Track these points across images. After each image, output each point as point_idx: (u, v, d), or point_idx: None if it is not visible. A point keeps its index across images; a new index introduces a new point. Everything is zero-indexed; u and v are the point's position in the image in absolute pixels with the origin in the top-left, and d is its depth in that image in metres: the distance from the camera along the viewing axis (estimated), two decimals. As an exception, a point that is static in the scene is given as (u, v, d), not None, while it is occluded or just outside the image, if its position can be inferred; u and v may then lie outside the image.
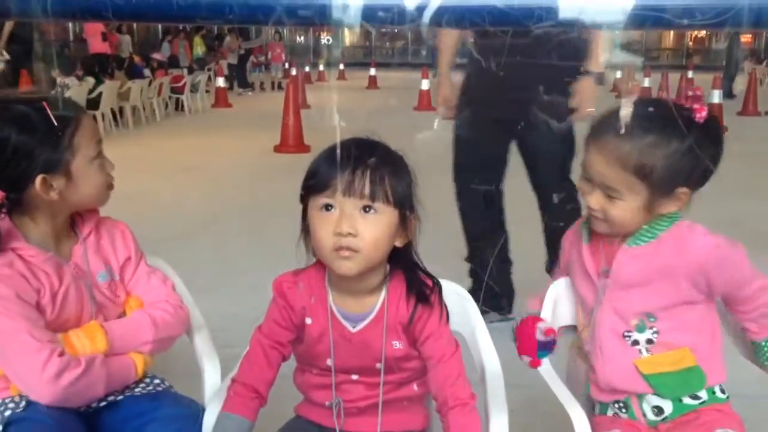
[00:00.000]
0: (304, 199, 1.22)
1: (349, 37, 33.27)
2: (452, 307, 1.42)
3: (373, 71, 17.85)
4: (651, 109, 1.28)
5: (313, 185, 1.19)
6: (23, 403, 1.29)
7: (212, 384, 1.43)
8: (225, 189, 6.16)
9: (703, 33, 32.92)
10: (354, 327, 1.26)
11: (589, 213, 1.35)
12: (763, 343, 1.37)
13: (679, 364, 1.34)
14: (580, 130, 2.82)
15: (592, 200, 1.32)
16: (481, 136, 2.75)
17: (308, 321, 1.27)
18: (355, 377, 1.30)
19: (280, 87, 16.41)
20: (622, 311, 1.36)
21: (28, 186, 1.30)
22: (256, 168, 7.13)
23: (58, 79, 9.21)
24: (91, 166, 1.37)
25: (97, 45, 12.44)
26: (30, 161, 1.29)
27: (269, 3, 0.58)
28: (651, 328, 1.34)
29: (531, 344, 1.39)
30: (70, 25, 14.89)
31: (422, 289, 1.28)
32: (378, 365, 1.28)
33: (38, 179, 1.30)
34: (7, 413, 1.29)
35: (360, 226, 1.17)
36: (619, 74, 16.44)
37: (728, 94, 13.01)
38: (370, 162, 1.17)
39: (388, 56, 33.51)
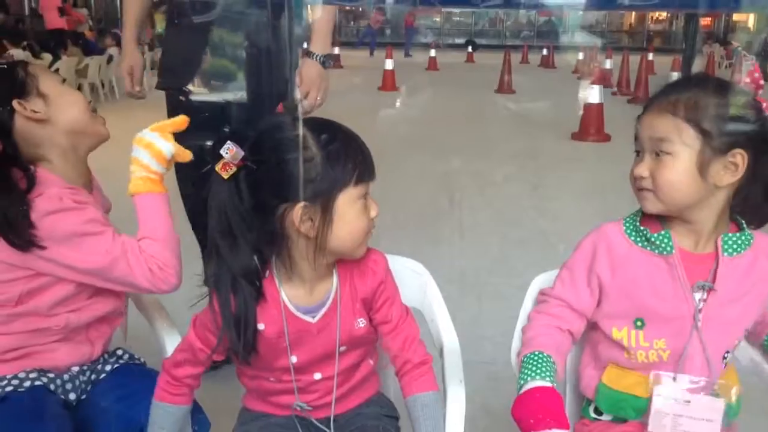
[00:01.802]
0: (332, 193, 1.15)
1: (312, 16, 32.75)
2: (410, 284, 1.45)
3: (337, 50, 17.69)
4: (712, 78, 1.24)
5: (363, 174, 1.18)
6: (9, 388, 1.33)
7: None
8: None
9: (663, 15, 33.30)
10: (314, 318, 1.25)
11: (638, 192, 1.24)
12: None
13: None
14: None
15: (640, 167, 1.21)
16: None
17: (261, 327, 1.22)
18: (317, 377, 1.29)
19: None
20: (728, 329, 1.25)
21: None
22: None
23: (7, 52, 8.94)
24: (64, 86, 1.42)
25: (53, 20, 12.13)
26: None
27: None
28: (735, 351, 1.27)
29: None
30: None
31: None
32: (342, 348, 1.28)
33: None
34: None
35: None
36: (581, 56, 16.58)
37: (687, 76, 13.19)
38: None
39: (352, 36, 33.27)
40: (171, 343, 1.46)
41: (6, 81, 1.36)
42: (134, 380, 1.43)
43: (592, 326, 1.34)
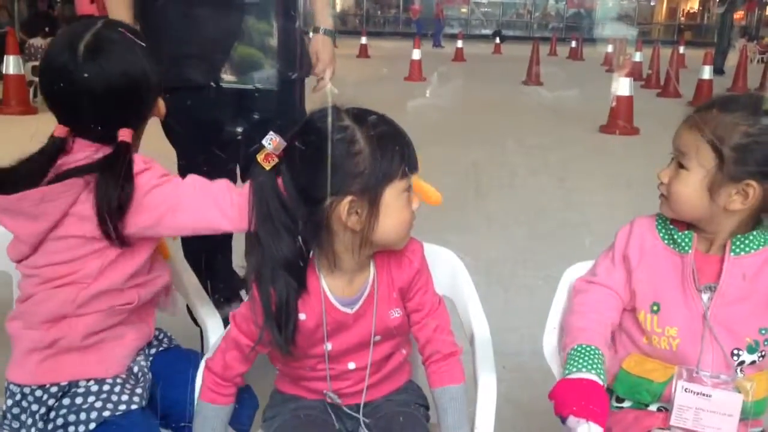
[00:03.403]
0: (380, 186, 1.14)
1: (341, 4, 32.81)
2: (442, 272, 1.45)
3: (364, 40, 17.66)
4: (754, 100, 1.23)
5: (409, 167, 1.17)
6: (123, 406, 1.29)
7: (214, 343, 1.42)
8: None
9: (695, 8, 32.85)
10: (352, 309, 1.24)
11: (660, 194, 1.29)
12: None
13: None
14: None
15: (663, 173, 1.27)
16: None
17: (302, 317, 1.21)
18: (351, 366, 1.29)
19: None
20: (734, 328, 1.25)
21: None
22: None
23: (28, 42, 8.89)
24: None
25: (84, 6, 12.22)
26: None
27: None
28: (762, 351, 1.25)
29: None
30: (57, -15, 14.61)
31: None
32: (376, 338, 1.28)
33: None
34: (106, 413, 1.27)
35: None
36: (610, 48, 16.40)
37: (719, 71, 12.98)
38: None
39: (379, 25, 33.20)
40: (213, 329, 1.48)
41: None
42: (178, 366, 1.42)
43: None
